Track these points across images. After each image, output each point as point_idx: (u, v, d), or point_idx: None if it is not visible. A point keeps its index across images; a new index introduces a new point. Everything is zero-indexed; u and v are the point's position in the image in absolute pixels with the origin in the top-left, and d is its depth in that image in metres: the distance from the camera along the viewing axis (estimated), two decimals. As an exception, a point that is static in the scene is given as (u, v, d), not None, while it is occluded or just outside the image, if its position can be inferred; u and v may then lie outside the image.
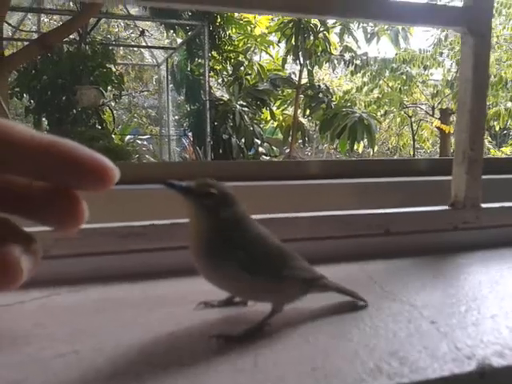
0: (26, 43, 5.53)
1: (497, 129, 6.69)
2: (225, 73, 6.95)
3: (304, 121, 7.18)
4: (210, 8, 0.74)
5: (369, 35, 6.92)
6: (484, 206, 0.75)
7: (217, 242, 0.43)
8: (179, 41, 7.27)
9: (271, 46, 7.22)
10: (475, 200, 0.74)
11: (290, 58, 6.74)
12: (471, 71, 0.73)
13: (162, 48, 7.82)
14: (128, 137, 6.63)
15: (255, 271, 0.43)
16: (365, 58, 6.30)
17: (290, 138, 6.59)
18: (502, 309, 0.51)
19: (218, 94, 7.17)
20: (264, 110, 6.93)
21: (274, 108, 7.10)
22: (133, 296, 0.52)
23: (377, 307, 0.51)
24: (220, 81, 7.12)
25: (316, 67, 6.84)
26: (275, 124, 7.19)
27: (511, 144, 6.94)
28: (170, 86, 7.36)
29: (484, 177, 0.75)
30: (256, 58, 7.54)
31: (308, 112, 6.78)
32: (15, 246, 0.22)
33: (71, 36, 5.76)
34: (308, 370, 0.38)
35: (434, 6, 0.73)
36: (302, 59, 6.50)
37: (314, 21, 6.24)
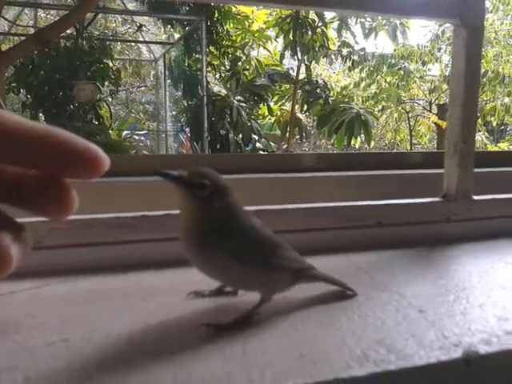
0: (22, 38, 5.51)
1: (494, 124, 6.70)
2: (222, 68, 6.94)
3: (302, 116, 7.18)
4: (206, 0, 0.74)
5: (367, 30, 6.91)
6: (476, 198, 0.75)
7: (208, 232, 0.43)
8: (177, 36, 7.25)
9: (269, 41, 7.21)
10: (467, 192, 0.74)
11: (287, 53, 6.73)
12: (464, 64, 0.73)
13: (160, 43, 7.80)
14: (125, 132, 6.62)
15: (246, 260, 0.44)
16: (362, 53, 6.30)
17: (287, 134, 6.59)
18: (490, 298, 0.51)
19: (216, 89, 7.16)
20: (262, 105, 6.92)
21: (272, 103, 7.09)
22: (124, 286, 0.53)
23: (366, 297, 0.51)
24: (218, 76, 7.11)
25: (314, 62, 6.84)
26: (273, 119, 7.19)
27: (508, 140, 6.95)
28: (168, 81, 7.35)
29: (476, 170, 0.75)
30: (254, 53, 7.53)
31: (306, 107, 6.78)
32: (5, 234, 0.22)
33: (68, 31, 5.73)
34: (296, 356, 0.38)
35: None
36: (299, 54, 6.49)
37: (312, 16, 6.23)
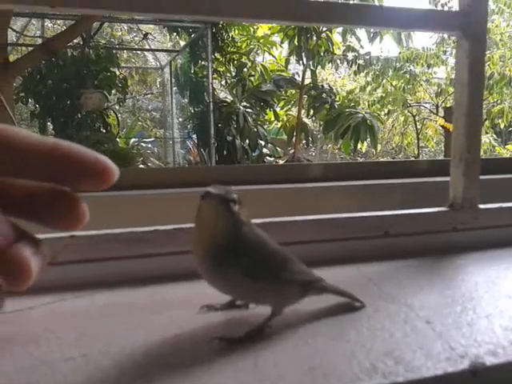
0: (30, 48, 5.58)
1: (502, 126, 6.67)
2: (228, 74, 6.98)
3: (308, 121, 7.19)
4: (211, 19, 0.76)
5: (371, 34, 6.92)
6: (482, 206, 0.76)
7: (224, 249, 0.44)
8: (182, 43, 7.30)
9: (274, 47, 7.24)
10: (473, 201, 0.75)
11: (293, 59, 6.76)
12: (467, 74, 0.74)
13: (166, 51, 7.86)
14: (132, 140, 6.66)
15: (257, 276, 0.45)
16: (368, 57, 6.30)
17: (293, 139, 6.60)
18: (496, 308, 0.52)
19: (222, 95, 7.20)
20: (268, 110, 6.94)
21: (278, 109, 7.11)
22: (138, 300, 0.54)
23: (374, 308, 0.52)
24: (223, 82, 7.14)
25: (319, 67, 6.85)
26: (279, 125, 7.20)
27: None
28: (174, 88, 7.39)
29: (482, 177, 0.76)
30: (259, 59, 7.56)
31: (312, 112, 6.79)
32: (25, 247, 0.23)
33: (75, 40, 5.81)
34: (306, 369, 0.39)
35: (430, 11, 0.74)
36: (305, 59, 6.51)
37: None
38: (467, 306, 0.53)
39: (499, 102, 6.19)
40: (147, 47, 7.76)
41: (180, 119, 7.52)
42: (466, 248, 0.74)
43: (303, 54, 6.51)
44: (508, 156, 6.51)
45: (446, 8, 6.82)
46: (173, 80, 7.40)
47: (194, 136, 6.71)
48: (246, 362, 0.41)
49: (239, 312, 0.51)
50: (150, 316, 0.50)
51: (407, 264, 0.68)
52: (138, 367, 0.40)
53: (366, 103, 6.90)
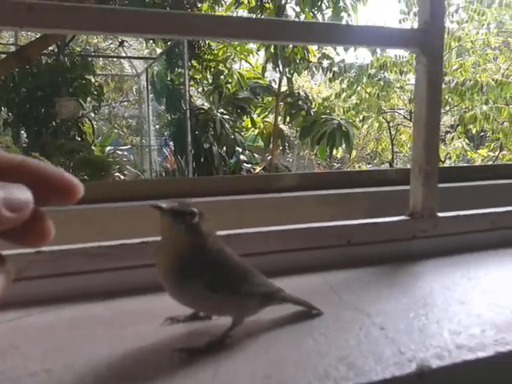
0: (3, 56, 5.50)
1: (474, 131, 6.83)
2: (205, 82, 6.99)
3: (285, 128, 7.25)
4: (187, 37, 0.78)
5: (346, 42, 7.02)
6: (440, 215, 0.79)
7: (187, 263, 0.46)
8: (159, 51, 7.29)
9: (251, 55, 7.29)
10: (432, 210, 0.79)
11: (269, 66, 6.81)
12: (425, 89, 0.78)
13: (142, 58, 7.83)
14: (108, 148, 6.61)
15: (218, 289, 0.47)
16: (342, 64, 6.40)
17: (270, 146, 6.65)
18: (447, 314, 0.55)
19: (199, 102, 7.20)
20: (245, 117, 6.98)
21: (255, 116, 7.15)
22: (103, 314, 0.55)
23: (333, 316, 0.54)
24: (200, 90, 7.15)
25: (295, 75, 6.92)
26: (256, 132, 7.24)
27: (487, 146, 7.09)
28: (150, 95, 7.36)
29: (442, 185, 0.80)
30: (236, 67, 7.60)
31: (288, 119, 6.85)
32: None
33: (50, 48, 5.74)
34: (263, 377, 0.41)
35: (389, 29, 0.77)
36: (281, 67, 6.57)
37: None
38: (420, 312, 0.56)
39: (471, 108, 6.34)
40: (123, 54, 7.72)
41: (157, 126, 7.49)
42: (425, 255, 0.77)
43: (279, 62, 6.57)
44: (477, 160, 6.68)
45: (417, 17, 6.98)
46: (149, 87, 7.37)
47: (171, 143, 6.69)
48: (206, 372, 0.42)
49: (202, 323, 0.52)
50: (115, 329, 0.51)
51: (368, 272, 0.71)
52: (100, 380, 0.41)
53: (342, 110, 7.00)
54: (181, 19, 0.66)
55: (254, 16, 6.09)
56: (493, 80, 6.18)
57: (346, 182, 1.14)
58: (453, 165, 6.27)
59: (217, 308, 0.49)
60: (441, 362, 0.44)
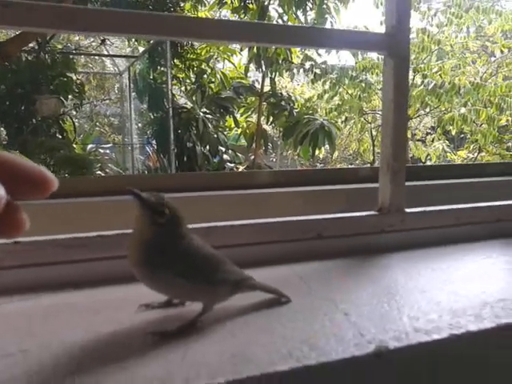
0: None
1: (453, 133, 6.96)
2: (188, 81, 6.99)
3: (268, 128, 7.30)
4: (170, 39, 0.80)
5: (329, 44, 7.09)
6: (408, 210, 0.83)
7: (156, 253, 0.48)
8: (141, 49, 7.26)
9: (234, 55, 7.32)
10: (399, 205, 0.82)
11: (253, 66, 6.85)
12: (392, 91, 0.81)
13: (124, 56, 7.79)
14: (90, 146, 6.56)
15: (189, 278, 0.49)
16: (323, 66, 6.46)
17: (254, 145, 6.69)
18: (408, 301, 0.58)
19: (182, 101, 7.19)
20: (228, 117, 7.00)
21: (238, 115, 7.18)
22: (80, 302, 0.57)
23: (301, 304, 0.57)
24: (183, 89, 7.15)
25: (278, 75, 6.97)
26: (239, 131, 7.27)
27: (466, 147, 7.23)
28: (133, 94, 7.33)
29: (409, 183, 0.84)
30: (220, 66, 7.62)
31: (271, 119, 6.90)
32: None
33: (30, 45, 5.68)
34: (229, 357, 0.44)
35: (359, 32, 0.81)
36: (264, 67, 6.61)
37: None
38: (383, 300, 0.59)
39: (450, 110, 6.46)
40: (105, 52, 7.66)
41: (139, 125, 7.46)
42: (392, 248, 0.81)
43: (262, 62, 6.60)
44: (457, 161, 6.81)
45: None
46: (131, 86, 7.33)
47: (154, 142, 6.67)
48: (177, 353, 0.45)
49: (176, 309, 0.55)
50: (90, 316, 0.53)
51: (337, 264, 0.74)
52: (75, 360, 0.43)
53: (324, 111, 7.06)
54: (163, 20, 0.68)
55: (238, 17, 6.12)
56: (470, 83, 6.31)
57: (323, 180, 1.17)
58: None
59: (189, 295, 0.51)
60: (398, 344, 0.47)
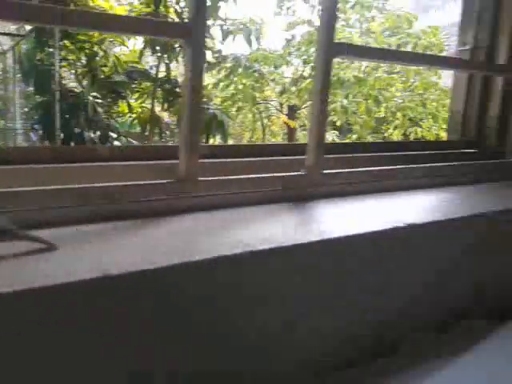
0: None
1: (338, 124, 7.45)
2: (79, 63, 6.72)
3: (165, 114, 7.26)
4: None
5: (224, 33, 7.21)
6: (201, 179, 0.96)
7: None
8: (28, 28, 6.84)
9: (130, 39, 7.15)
10: (194, 175, 0.95)
11: (149, 52, 6.75)
12: (189, 75, 0.94)
13: (8, 35, 7.28)
14: (-34, 130, 6.09)
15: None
16: (217, 55, 6.58)
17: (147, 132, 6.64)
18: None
19: (73, 85, 6.90)
20: (121, 102, 6.85)
21: (132, 101, 7.05)
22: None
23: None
24: (74, 71, 6.86)
25: (175, 62, 6.95)
26: (133, 117, 7.15)
27: (349, 137, 7.78)
28: (18, 75, 6.90)
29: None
30: (117, 50, 7.40)
31: (166, 106, 6.87)
32: None
33: None
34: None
35: (161, 21, 0.92)
36: (159, 53, 6.55)
37: (173, 14, 6.33)
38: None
39: (333, 102, 6.90)
40: (-14, 29, 7.11)
41: (25, 109, 7.05)
42: (187, 210, 0.94)
43: (157, 48, 6.55)
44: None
45: (291, 11, 7.50)
46: (16, 66, 6.90)
47: (39, 127, 6.36)
48: None
49: None
50: None
51: (128, 224, 0.86)
52: None
53: (219, 99, 7.20)
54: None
55: None
56: (353, 77, 6.79)
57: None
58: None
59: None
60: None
